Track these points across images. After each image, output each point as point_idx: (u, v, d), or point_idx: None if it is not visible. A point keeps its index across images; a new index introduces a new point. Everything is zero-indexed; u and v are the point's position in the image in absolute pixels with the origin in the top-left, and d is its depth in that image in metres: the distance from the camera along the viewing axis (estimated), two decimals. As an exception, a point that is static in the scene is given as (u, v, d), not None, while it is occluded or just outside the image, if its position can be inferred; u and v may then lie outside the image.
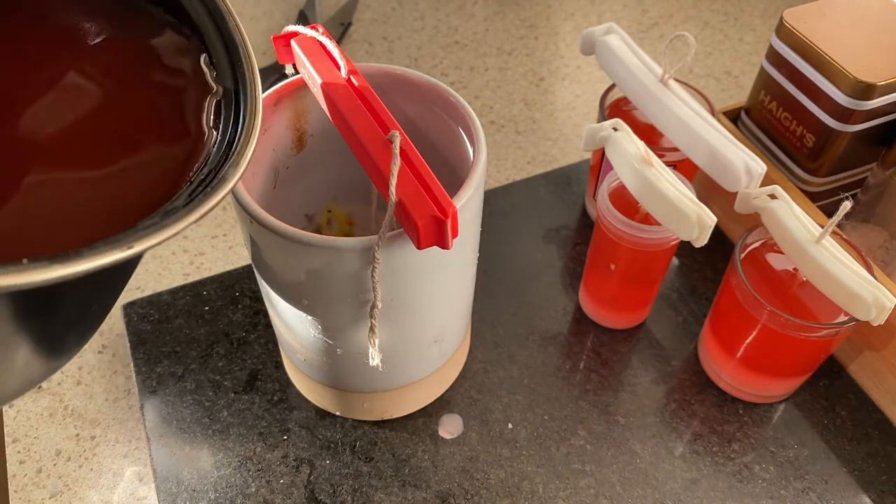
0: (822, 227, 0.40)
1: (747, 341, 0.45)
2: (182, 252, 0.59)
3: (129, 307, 0.53)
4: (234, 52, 0.28)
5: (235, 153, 0.25)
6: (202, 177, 0.24)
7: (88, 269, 0.18)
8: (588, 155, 0.64)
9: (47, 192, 0.23)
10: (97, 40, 0.27)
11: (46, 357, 0.24)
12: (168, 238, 0.20)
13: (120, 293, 0.27)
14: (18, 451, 0.48)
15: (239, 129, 0.26)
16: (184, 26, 0.28)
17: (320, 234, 0.33)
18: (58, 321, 0.23)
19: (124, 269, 0.26)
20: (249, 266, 0.56)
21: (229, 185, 0.23)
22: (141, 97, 0.27)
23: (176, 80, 0.28)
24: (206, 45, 0.28)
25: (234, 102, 0.27)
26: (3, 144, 0.24)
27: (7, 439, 0.48)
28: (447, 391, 0.49)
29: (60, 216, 0.23)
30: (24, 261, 0.17)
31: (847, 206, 0.38)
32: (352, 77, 0.35)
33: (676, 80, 0.49)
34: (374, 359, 0.35)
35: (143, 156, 0.26)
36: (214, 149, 0.26)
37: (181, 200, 0.23)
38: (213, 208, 0.22)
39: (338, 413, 0.48)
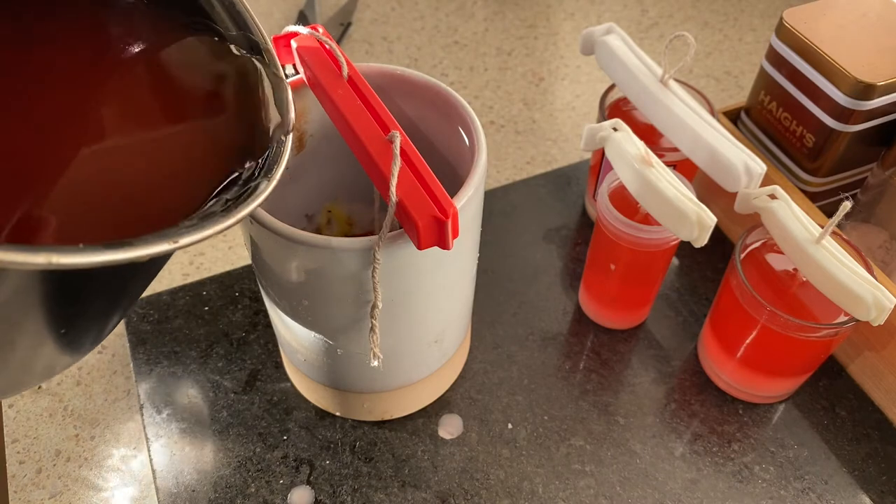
0: (822, 227, 0.40)
1: (747, 341, 0.45)
2: (182, 252, 0.59)
3: (128, 307, 0.53)
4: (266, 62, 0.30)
5: (269, 165, 0.27)
6: (235, 191, 0.26)
7: (137, 256, 0.19)
8: (588, 155, 0.64)
9: (101, 168, 0.25)
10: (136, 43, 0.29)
11: (68, 349, 0.25)
12: (206, 237, 0.22)
13: (140, 294, 0.29)
14: (18, 452, 0.48)
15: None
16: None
17: (320, 234, 0.33)
18: (86, 313, 0.24)
19: (150, 270, 0.28)
20: (249, 266, 0.56)
21: (262, 197, 0.26)
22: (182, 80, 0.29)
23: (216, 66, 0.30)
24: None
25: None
26: (64, 118, 0.25)
27: (7, 439, 0.48)
28: (447, 391, 0.49)
29: (111, 205, 0.25)
30: (81, 245, 0.18)
31: (847, 206, 0.38)
32: (352, 77, 0.35)
33: (676, 80, 0.49)
34: (375, 359, 0.35)
35: (186, 128, 0.28)
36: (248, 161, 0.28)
37: (218, 207, 0.26)
38: (246, 215, 0.25)
39: (338, 413, 0.48)
